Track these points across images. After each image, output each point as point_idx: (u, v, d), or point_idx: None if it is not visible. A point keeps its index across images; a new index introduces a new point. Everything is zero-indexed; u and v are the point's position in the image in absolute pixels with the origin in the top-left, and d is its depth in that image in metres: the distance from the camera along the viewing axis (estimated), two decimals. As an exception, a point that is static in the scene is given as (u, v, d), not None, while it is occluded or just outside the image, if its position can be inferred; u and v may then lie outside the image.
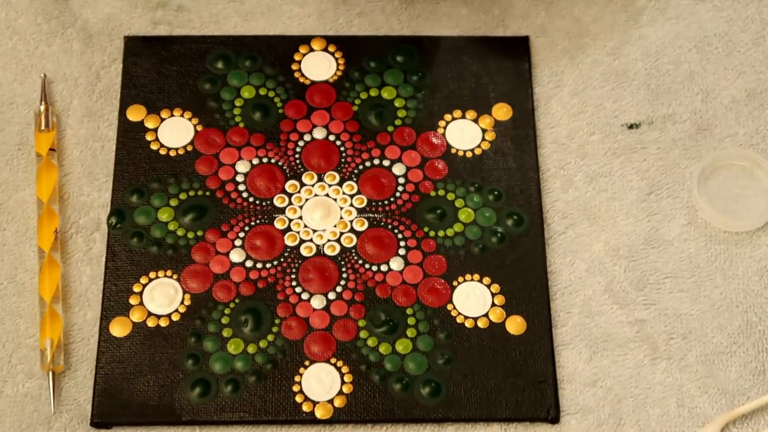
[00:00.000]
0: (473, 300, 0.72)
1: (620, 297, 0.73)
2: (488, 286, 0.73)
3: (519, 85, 0.79)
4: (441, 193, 0.76)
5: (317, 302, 0.72)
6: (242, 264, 0.73)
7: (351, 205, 0.75)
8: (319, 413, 0.69)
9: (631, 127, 0.79)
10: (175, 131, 0.77)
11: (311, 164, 0.76)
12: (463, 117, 0.78)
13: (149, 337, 0.71)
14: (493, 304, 0.72)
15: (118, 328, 0.71)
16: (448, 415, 0.69)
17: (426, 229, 0.74)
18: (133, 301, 0.72)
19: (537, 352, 0.71)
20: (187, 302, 0.72)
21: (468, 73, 0.80)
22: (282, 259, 0.73)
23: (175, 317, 0.71)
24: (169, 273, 0.73)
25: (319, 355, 0.70)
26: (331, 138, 0.77)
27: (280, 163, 0.76)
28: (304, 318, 0.71)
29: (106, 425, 0.69)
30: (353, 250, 0.74)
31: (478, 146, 0.77)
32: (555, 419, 0.69)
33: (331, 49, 0.81)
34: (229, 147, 0.77)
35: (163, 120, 0.78)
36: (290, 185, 0.76)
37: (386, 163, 0.77)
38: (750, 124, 0.79)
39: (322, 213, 0.75)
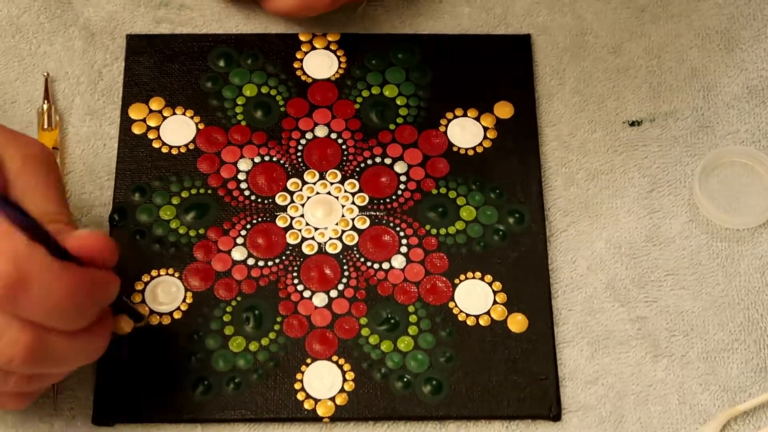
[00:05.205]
0: (475, 298, 0.72)
1: (622, 294, 0.73)
2: (490, 284, 0.73)
3: (521, 83, 0.79)
4: (443, 191, 0.76)
5: (319, 300, 0.72)
6: (244, 262, 0.73)
7: (352, 203, 0.75)
8: (321, 411, 0.69)
9: (632, 124, 0.79)
10: (177, 129, 0.77)
11: (313, 162, 0.76)
12: (465, 115, 0.78)
13: (151, 334, 0.71)
14: (495, 302, 0.72)
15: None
16: (450, 413, 0.69)
17: (427, 227, 0.74)
18: (134, 298, 0.72)
19: (538, 350, 0.71)
20: (188, 300, 0.72)
21: (469, 71, 0.80)
22: (284, 257, 0.73)
23: (177, 315, 0.72)
24: (170, 271, 0.73)
25: (321, 352, 0.71)
26: (333, 136, 0.78)
27: (281, 161, 0.76)
28: (305, 316, 0.72)
29: (108, 423, 0.69)
30: (355, 248, 0.74)
31: (480, 144, 0.77)
32: (557, 417, 0.69)
33: (333, 47, 0.81)
34: (231, 145, 0.77)
35: (165, 118, 0.78)
36: (292, 183, 0.76)
37: (388, 161, 0.77)
38: (751, 121, 0.79)
39: (323, 211, 0.75)
